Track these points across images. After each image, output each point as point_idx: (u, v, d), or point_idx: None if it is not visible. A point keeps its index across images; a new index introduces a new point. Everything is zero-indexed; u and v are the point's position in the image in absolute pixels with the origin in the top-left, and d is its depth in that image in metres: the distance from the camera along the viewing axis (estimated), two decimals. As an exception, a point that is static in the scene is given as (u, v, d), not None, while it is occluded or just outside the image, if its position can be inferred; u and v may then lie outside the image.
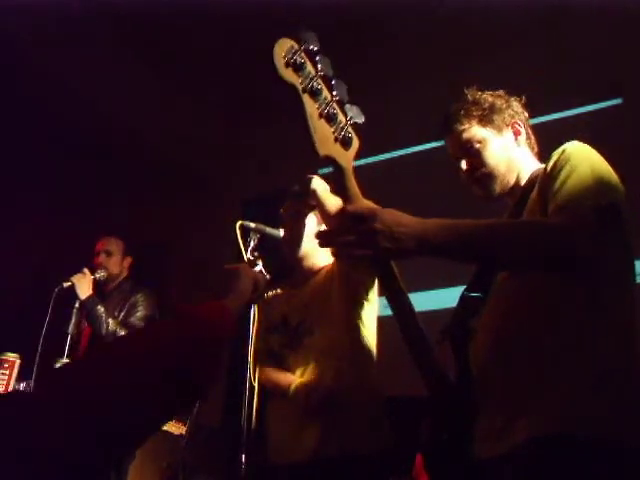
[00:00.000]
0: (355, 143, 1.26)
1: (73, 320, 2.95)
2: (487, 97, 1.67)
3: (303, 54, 1.19)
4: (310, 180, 1.94)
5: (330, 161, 1.22)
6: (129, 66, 4.40)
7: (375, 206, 1.23)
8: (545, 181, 1.40)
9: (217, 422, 4.67)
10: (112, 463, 0.93)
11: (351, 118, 1.24)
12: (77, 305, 3.01)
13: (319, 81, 1.21)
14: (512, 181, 1.60)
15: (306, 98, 1.19)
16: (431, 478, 1.41)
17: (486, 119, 1.63)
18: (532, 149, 1.67)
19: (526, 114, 1.69)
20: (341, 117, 1.24)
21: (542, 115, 3.60)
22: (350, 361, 2.05)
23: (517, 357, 1.31)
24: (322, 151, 1.20)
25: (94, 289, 3.11)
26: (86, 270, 3.12)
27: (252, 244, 1.98)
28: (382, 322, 4.66)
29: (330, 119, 1.22)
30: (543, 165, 1.58)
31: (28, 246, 4.59)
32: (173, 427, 3.61)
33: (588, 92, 3.99)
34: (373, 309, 2.14)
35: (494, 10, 3.48)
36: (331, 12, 3.42)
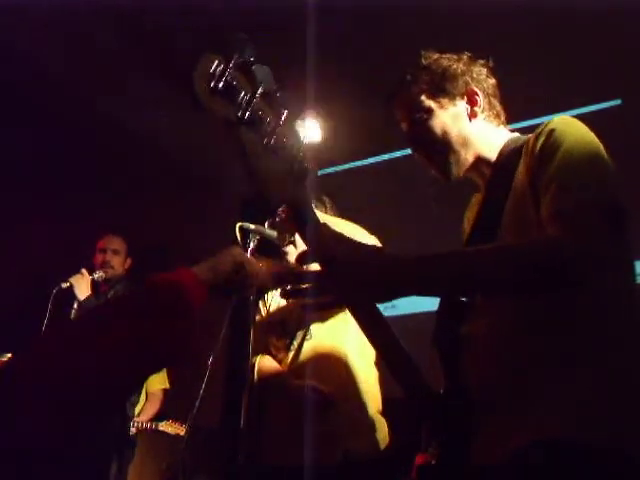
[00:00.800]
0: (310, 171, 1.00)
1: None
2: (442, 61, 1.46)
3: (234, 71, 0.86)
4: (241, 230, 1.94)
5: (285, 206, 1.00)
6: (129, 66, 4.39)
7: (332, 254, 1.03)
8: (534, 162, 1.24)
9: (216, 423, 4.66)
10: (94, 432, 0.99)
11: (304, 139, 0.96)
12: (76, 306, 3.00)
13: (259, 102, 0.90)
14: (470, 158, 1.42)
15: (244, 131, 0.89)
16: None
17: (436, 87, 1.43)
18: (497, 118, 1.47)
19: (492, 81, 1.49)
20: (292, 142, 0.95)
21: (541, 116, 3.60)
22: (349, 363, 2.05)
23: (517, 363, 1.26)
24: (280, 200, 0.96)
25: (92, 289, 3.10)
26: (84, 271, 3.11)
27: (252, 245, 1.98)
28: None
29: (279, 150, 0.93)
30: (516, 135, 1.46)
31: (27, 246, 4.58)
32: (171, 428, 3.61)
33: (587, 93, 3.99)
34: None
35: (494, 11, 3.47)
36: (332, 13, 3.42)
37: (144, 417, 3.79)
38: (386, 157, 4.76)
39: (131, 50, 4.26)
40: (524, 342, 1.26)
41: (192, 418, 2.14)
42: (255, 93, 0.90)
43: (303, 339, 2.10)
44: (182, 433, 3.60)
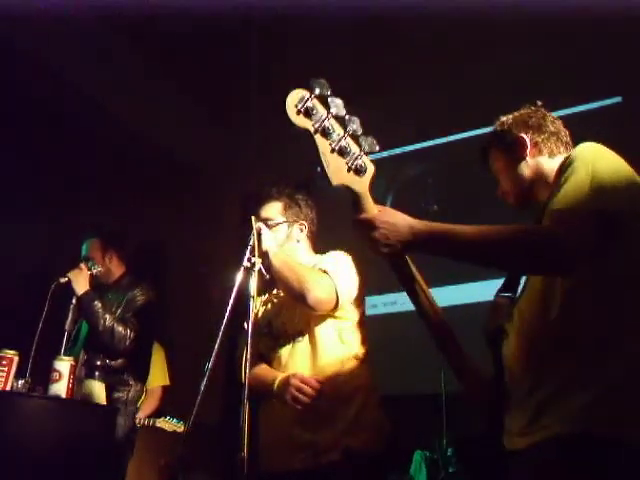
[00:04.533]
0: (370, 169, 1.40)
1: (70, 317, 2.90)
2: (499, 124, 1.72)
3: (314, 100, 1.34)
4: (256, 223, 2.04)
5: (345, 188, 1.39)
6: (127, 63, 4.39)
7: (374, 215, 1.40)
8: (553, 182, 1.45)
9: (216, 421, 4.66)
10: None
11: (364, 148, 1.38)
12: (74, 301, 2.95)
13: (331, 121, 1.36)
14: (535, 191, 1.60)
15: (318, 138, 1.35)
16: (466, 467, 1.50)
17: (495, 145, 1.70)
18: (554, 149, 1.64)
19: (536, 119, 1.67)
20: (355, 149, 1.38)
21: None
22: (345, 362, 2.04)
23: (542, 357, 1.36)
24: (334, 182, 1.37)
25: (93, 285, 3.06)
26: (83, 265, 3.06)
27: (251, 242, 1.97)
28: (381, 320, 4.67)
29: (343, 152, 1.37)
30: None
31: (23, 243, 4.58)
32: (169, 425, 3.60)
33: (587, 91, 3.99)
34: (357, 306, 2.12)
35: (495, 10, 3.48)
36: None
37: (142, 413, 3.78)
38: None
39: (130, 45, 4.26)
40: (550, 339, 1.36)
41: (192, 416, 2.14)
42: (329, 114, 1.36)
43: (290, 338, 2.09)
44: (180, 430, 3.59)
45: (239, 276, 1.84)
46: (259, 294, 2.09)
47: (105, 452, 2.54)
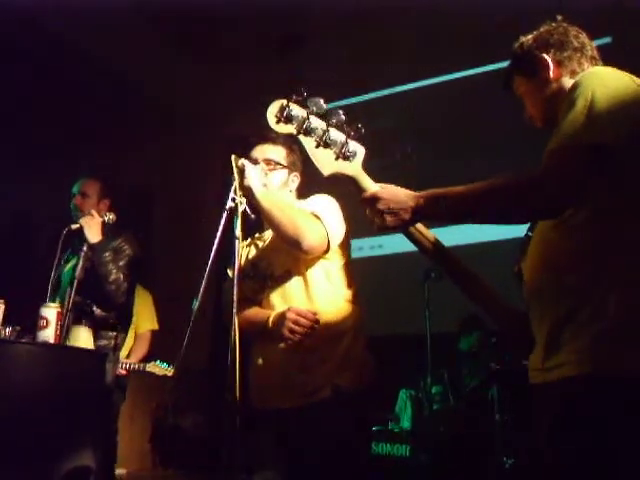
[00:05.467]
0: (359, 152, 1.51)
1: (81, 264, 2.76)
2: (519, 45, 1.64)
3: (293, 105, 1.48)
4: (242, 162, 1.94)
5: (338, 176, 1.50)
6: (113, 7, 4.28)
7: (377, 190, 1.48)
8: (561, 109, 1.38)
9: (204, 365, 4.73)
10: None
11: (349, 135, 1.49)
12: (85, 248, 2.82)
13: (312, 119, 1.48)
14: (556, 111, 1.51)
15: (302, 138, 1.49)
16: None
17: (516, 68, 1.64)
18: (576, 67, 1.55)
19: (557, 36, 1.59)
20: (340, 138, 1.49)
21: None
22: (333, 303, 2.05)
23: (543, 295, 1.37)
24: (325, 172, 1.49)
25: (104, 233, 2.90)
26: (94, 212, 2.94)
27: (236, 182, 1.92)
28: (368, 262, 4.69)
29: (328, 144, 1.49)
30: None
31: (12, 188, 4.54)
32: (159, 369, 3.65)
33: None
34: (344, 248, 2.12)
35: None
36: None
37: (133, 358, 3.82)
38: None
39: None
40: (553, 278, 1.36)
41: (180, 360, 2.15)
42: (309, 114, 1.48)
43: (275, 280, 2.08)
44: (170, 374, 3.64)
45: (223, 217, 1.80)
46: (243, 238, 2.08)
47: (96, 397, 2.56)
